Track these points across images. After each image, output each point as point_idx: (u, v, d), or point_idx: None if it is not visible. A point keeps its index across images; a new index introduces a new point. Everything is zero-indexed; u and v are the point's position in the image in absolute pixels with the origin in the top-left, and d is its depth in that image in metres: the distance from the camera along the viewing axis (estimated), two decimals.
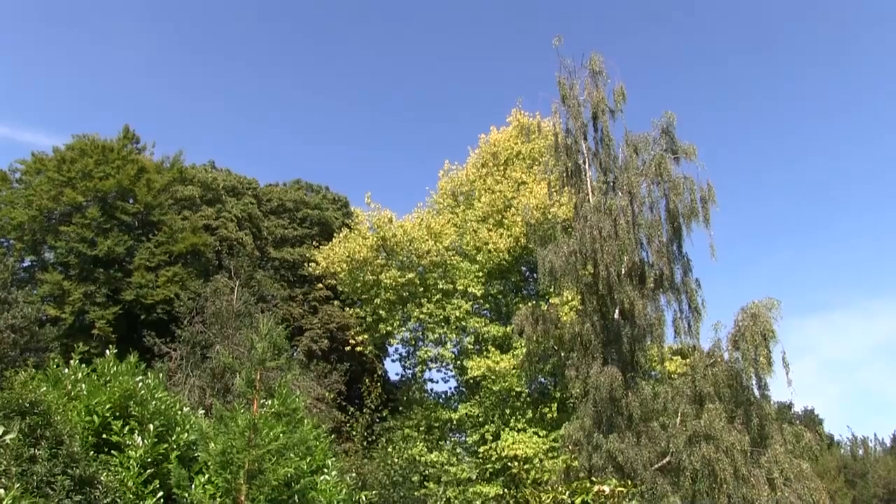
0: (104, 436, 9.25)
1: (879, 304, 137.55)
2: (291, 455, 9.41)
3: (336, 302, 37.62)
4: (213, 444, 8.86)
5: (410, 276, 30.65)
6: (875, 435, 71.74)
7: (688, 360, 25.43)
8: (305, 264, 35.32)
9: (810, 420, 57.70)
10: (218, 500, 8.69)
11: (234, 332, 26.02)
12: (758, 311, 20.79)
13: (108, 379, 10.04)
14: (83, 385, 9.71)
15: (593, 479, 15.78)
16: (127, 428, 9.26)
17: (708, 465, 19.23)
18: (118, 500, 8.39)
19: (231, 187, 40.20)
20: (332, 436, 16.06)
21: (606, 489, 14.53)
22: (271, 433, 8.86)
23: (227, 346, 25.51)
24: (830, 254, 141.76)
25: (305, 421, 10.83)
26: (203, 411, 11.63)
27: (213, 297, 27.76)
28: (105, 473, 8.46)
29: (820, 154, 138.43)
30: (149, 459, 9.03)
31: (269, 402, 9.84)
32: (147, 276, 30.61)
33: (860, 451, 58.56)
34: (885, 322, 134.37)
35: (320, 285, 36.96)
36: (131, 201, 32.52)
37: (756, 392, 20.90)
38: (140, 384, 9.93)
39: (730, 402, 20.92)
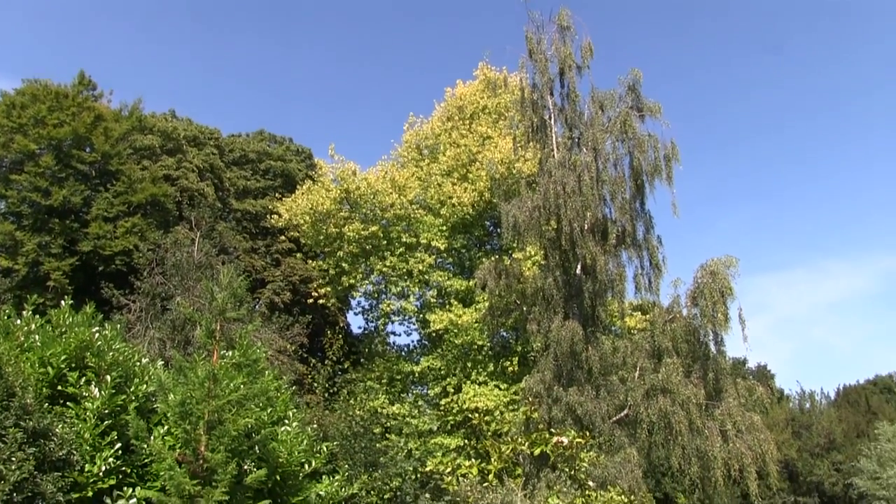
0: (59, 387, 9.13)
1: (833, 263, 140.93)
2: (252, 406, 9.39)
3: (299, 254, 37.39)
4: (172, 395, 8.79)
5: (374, 229, 30.52)
6: (822, 389, 74.32)
7: (647, 316, 25.81)
8: (268, 216, 34.94)
9: (763, 375, 59.23)
10: (177, 450, 8.65)
11: (195, 283, 25.72)
12: (716, 269, 21.09)
13: (63, 330, 9.87)
14: (37, 336, 9.54)
15: (552, 430, 16.00)
16: (83, 379, 9.14)
17: (664, 418, 19.66)
18: (74, 452, 8.31)
19: (192, 137, 39.40)
20: (294, 388, 16.06)
21: (565, 440, 14.76)
22: (231, 384, 8.80)
23: (188, 297, 25.24)
24: (786, 215, 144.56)
25: (266, 372, 10.80)
26: (162, 363, 11.52)
27: (174, 248, 27.37)
28: (60, 425, 8.36)
29: (780, 120, 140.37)
30: (106, 411, 8.94)
31: (230, 353, 9.77)
32: (105, 227, 30.00)
33: (807, 405, 60.55)
34: (837, 281, 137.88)
35: (283, 237, 36.68)
36: (88, 150, 31.67)
37: (713, 347, 21.33)
38: (97, 335, 9.78)
39: (687, 356, 21.33)
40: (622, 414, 20.34)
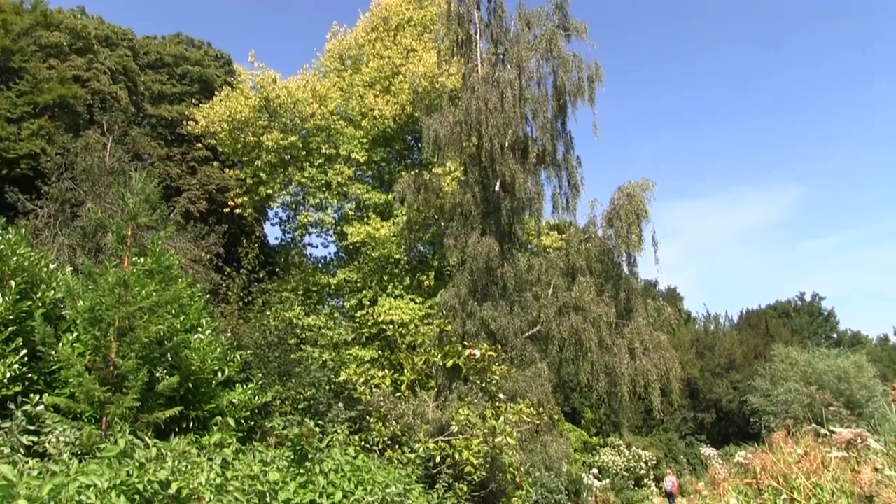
0: None
1: (746, 192, 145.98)
2: (164, 313, 9.32)
3: (216, 163, 36.48)
4: (81, 302, 8.65)
5: (293, 138, 29.90)
6: (726, 312, 77.88)
7: (563, 235, 26.34)
8: (184, 122, 33.76)
9: (672, 297, 61.63)
10: (87, 357, 8.58)
11: (107, 190, 24.91)
12: (633, 191, 21.61)
13: None
14: None
15: (466, 344, 16.42)
16: None
17: (575, 335, 20.35)
18: None
19: (104, 37, 37.45)
20: (209, 297, 15.93)
21: (477, 353, 15.18)
22: (143, 290, 8.71)
23: (100, 204, 24.48)
24: (705, 143, 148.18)
25: (180, 280, 10.70)
26: (72, 270, 11.25)
27: (84, 153, 26.30)
28: None
29: (700, 52, 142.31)
30: (10, 317, 8.74)
31: (142, 259, 9.63)
32: (8, 129, 28.52)
33: (712, 327, 63.66)
34: (747, 210, 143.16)
35: (199, 145, 35.60)
36: None
37: (625, 268, 22.04)
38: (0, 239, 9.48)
39: (600, 276, 21.99)
40: (534, 330, 20.93)
